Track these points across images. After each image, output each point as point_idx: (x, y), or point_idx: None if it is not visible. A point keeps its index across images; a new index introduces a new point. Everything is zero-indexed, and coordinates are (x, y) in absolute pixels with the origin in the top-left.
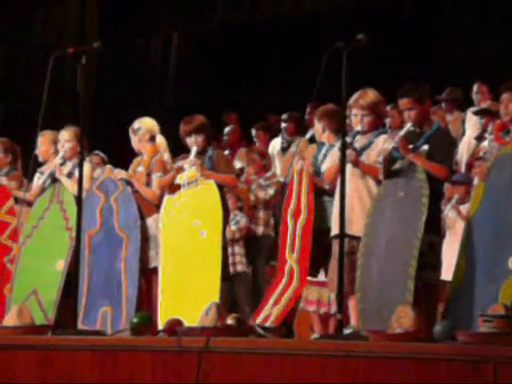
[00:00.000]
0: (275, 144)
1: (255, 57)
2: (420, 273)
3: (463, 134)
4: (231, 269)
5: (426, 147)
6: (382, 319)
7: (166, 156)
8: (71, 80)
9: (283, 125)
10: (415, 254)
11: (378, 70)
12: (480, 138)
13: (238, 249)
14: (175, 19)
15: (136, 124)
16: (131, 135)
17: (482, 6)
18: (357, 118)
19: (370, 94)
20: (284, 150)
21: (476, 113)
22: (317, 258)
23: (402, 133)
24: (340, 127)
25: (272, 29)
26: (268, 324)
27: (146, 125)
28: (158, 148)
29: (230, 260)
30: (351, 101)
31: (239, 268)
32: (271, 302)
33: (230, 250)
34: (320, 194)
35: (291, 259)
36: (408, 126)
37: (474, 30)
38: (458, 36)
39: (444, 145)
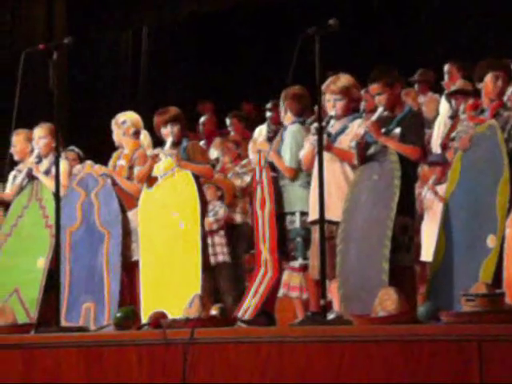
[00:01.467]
0: (261, 131)
1: (227, 45)
2: (393, 255)
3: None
4: (212, 259)
5: (397, 130)
6: (361, 302)
7: (150, 152)
8: (44, 77)
9: (268, 114)
10: (389, 235)
11: (351, 54)
12: (454, 118)
13: (219, 239)
14: (144, 11)
15: (121, 117)
16: (114, 128)
17: None
18: (330, 103)
19: (342, 79)
20: (270, 139)
21: (450, 94)
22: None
23: (373, 118)
24: (302, 110)
25: (243, 17)
26: (247, 316)
27: (131, 119)
28: (140, 143)
29: (211, 251)
30: (324, 86)
31: (220, 258)
32: (251, 293)
33: (209, 240)
34: (282, 176)
35: (264, 250)
36: (380, 110)
37: (443, 12)
38: (428, 18)
39: (415, 126)
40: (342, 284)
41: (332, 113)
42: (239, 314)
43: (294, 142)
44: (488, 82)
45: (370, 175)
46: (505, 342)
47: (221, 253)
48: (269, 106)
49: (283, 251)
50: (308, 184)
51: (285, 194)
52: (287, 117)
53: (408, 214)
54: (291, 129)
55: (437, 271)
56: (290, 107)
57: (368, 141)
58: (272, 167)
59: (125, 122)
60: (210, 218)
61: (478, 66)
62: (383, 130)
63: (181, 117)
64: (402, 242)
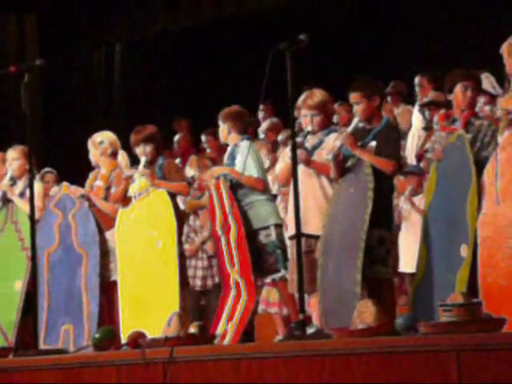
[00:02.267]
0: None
1: (201, 61)
2: (370, 268)
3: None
4: (210, 281)
5: (373, 143)
6: (339, 316)
7: (127, 173)
8: (17, 98)
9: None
10: (362, 246)
11: (322, 68)
12: (428, 129)
13: (216, 260)
14: (117, 29)
15: (99, 137)
16: (91, 148)
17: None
18: (306, 119)
19: (318, 94)
20: None
21: (423, 105)
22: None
23: (349, 129)
24: (245, 127)
25: (216, 33)
26: (226, 342)
27: (109, 139)
28: (117, 163)
29: (209, 273)
30: (299, 102)
31: (217, 280)
32: (225, 316)
33: (207, 262)
34: (245, 194)
35: (233, 272)
36: (356, 120)
37: (412, 24)
38: (398, 31)
39: (390, 139)
40: (322, 298)
41: (309, 128)
42: (216, 338)
43: (253, 155)
44: (458, 93)
45: (347, 188)
46: (483, 351)
47: (217, 274)
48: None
49: (261, 267)
50: (274, 198)
51: (251, 210)
52: (232, 136)
53: (384, 226)
54: (245, 144)
55: (419, 282)
56: (233, 127)
57: (345, 154)
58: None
59: (102, 143)
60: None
61: (448, 76)
62: (359, 143)
63: (156, 136)
64: (379, 254)
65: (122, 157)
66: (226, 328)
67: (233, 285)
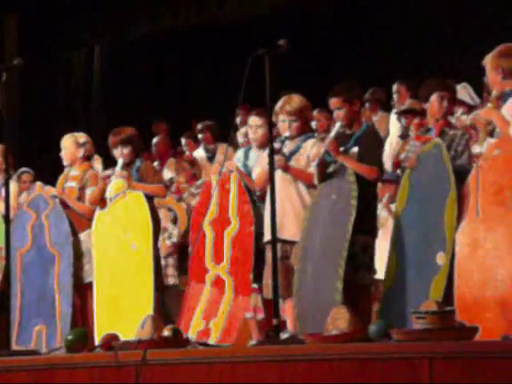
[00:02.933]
0: (200, 153)
1: (180, 65)
2: (354, 274)
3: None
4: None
5: (355, 149)
6: (315, 322)
7: (104, 174)
8: None
9: (199, 135)
10: (344, 255)
11: (300, 73)
12: (404, 137)
13: (172, 261)
14: (97, 31)
15: (82, 138)
16: (69, 146)
17: (399, 7)
18: (284, 124)
19: (296, 99)
20: (210, 158)
21: (399, 113)
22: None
23: (332, 134)
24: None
25: (198, 37)
26: (212, 341)
27: (90, 142)
28: (90, 165)
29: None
30: (277, 107)
31: (171, 281)
32: (200, 314)
33: (163, 262)
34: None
35: (216, 269)
36: (337, 126)
37: (391, 32)
38: (377, 37)
39: (372, 146)
40: (298, 303)
41: (287, 133)
42: (193, 335)
43: None
44: (434, 102)
45: (329, 194)
46: (455, 359)
47: (172, 275)
48: (199, 127)
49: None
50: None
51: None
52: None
53: (369, 232)
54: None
55: (388, 289)
56: None
57: (327, 160)
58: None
59: (85, 144)
60: (166, 241)
61: (423, 85)
62: (342, 149)
63: (134, 138)
64: (363, 260)
65: (97, 161)
66: (207, 326)
67: (210, 282)
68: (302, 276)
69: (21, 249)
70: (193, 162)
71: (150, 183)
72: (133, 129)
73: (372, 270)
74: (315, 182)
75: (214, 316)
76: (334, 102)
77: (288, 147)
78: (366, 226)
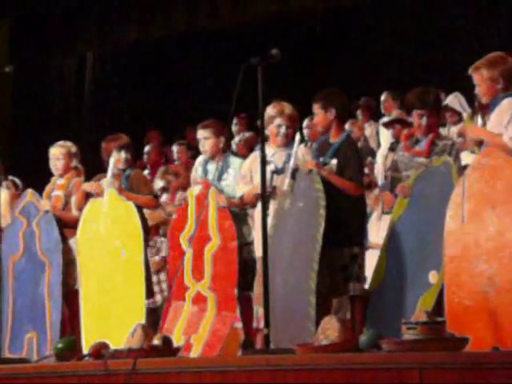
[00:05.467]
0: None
1: (172, 72)
2: (344, 285)
3: (379, 144)
4: (159, 297)
5: (334, 161)
6: (288, 333)
7: (85, 185)
8: None
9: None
10: (315, 268)
11: (290, 83)
12: (394, 149)
13: (164, 276)
14: (89, 38)
15: (74, 148)
16: (63, 156)
17: (392, 18)
18: (280, 129)
19: (290, 107)
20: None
21: (386, 124)
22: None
23: (294, 149)
24: None
25: (189, 44)
26: (195, 355)
27: (77, 150)
28: (75, 173)
29: (157, 288)
30: (275, 111)
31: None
32: (180, 330)
33: (155, 278)
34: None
35: (197, 286)
36: (296, 139)
37: (382, 42)
38: (368, 49)
39: (352, 160)
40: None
41: (279, 138)
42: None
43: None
44: (415, 119)
45: (295, 201)
46: (446, 370)
47: (166, 290)
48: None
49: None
50: None
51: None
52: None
53: (357, 243)
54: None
55: (376, 295)
56: None
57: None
58: None
59: (77, 154)
60: (155, 257)
61: (406, 97)
62: (321, 159)
63: (130, 145)
64: (352, 271)
65: (80, 168)
66: (188, 341)
67: (189, 298)
68: (272, 284)
69: (13, 256)
70: (177, 173)
71: (141, 193)
72: (126, 136)
73: (361, 280)
74: (286, 188)
75: (195, 332)
76: (314, 107)
77: (277, 157)
78: (354, 237)
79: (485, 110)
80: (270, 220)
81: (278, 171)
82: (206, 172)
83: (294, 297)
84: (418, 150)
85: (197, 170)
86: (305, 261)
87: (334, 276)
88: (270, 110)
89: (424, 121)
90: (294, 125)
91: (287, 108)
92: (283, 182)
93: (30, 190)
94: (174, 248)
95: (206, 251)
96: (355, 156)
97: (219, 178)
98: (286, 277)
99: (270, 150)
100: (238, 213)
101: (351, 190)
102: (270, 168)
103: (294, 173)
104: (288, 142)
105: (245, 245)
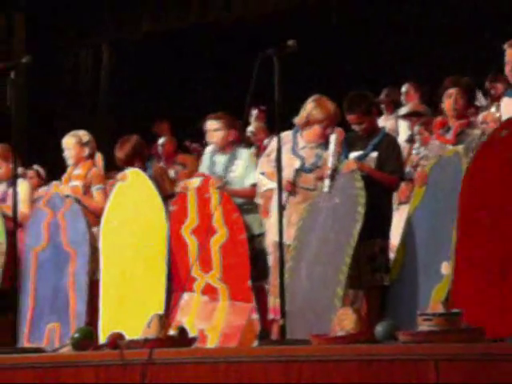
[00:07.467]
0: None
1: (185, 64)
2: (372, 276)
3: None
4: None
5: (374, 154)
6: (306, 323)
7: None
8: (1, 96)
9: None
10: (347, 262)
11: (309, 73)
12: (411, 141)
13: None
14: (104, 28)
15: (85, 137)
16: (75, 146)
17: (409, 6)
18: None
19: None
20: None
21: (401, 116)
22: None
23: (330, 150)
24: None
25: (203, 36)
26: (210, 345)
27: (92, 140)
28: (93, 163)
29: None
30: (333, 110)
31: None
32: (192, 321)
33: None
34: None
35: (206, 277)
36: (333, 139)
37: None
38: (385, 39)
39: (394, 154)
40: (289, 302)
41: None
42: None
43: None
44: (445, 100)
45: (331, 197)
46: (461, 362)
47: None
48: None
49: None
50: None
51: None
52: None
53: (385, 236)
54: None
55: (393, 286)
56: None
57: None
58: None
59: (89, 142)
60: None
61: (443, 85)
62: (360, 153)
63: (140, 149)
64: (381, 262)
65: (99, 158)
66: (203, 332)
67: (198, 289)
68: (294, 275)
69: (36, 247)
70: (184, 163)
71: (168, 189)
72: (136, 139)
73: (389, 271)
74: (326, 188)
75: (209, 323)
76: (352, 118)
77: (309, 154)
78: (383, 229)
79: (497, 101)
80: (288, 213)
81: (305, 170)
82: (213, 164)
83: (319, 288)
84: (447, 138)
85: (204, 161)
86: (335, 254)
87: (361, 267)
88: (315, 111)
89: (453, 100)
90: (334, 124)
91: (331, 106)
92: (322, 183)
93: (55, 182)
94: (174, 240)
95: (213, 243)
96: (396, 151)
97: (227, 170)
98: (311, 269)
99: (301, 141)
100: (243, 203)
101: (392, 185)
102: (295, 163)
103: (334, 174)
104: (323, 139)
105: (256, 236)
